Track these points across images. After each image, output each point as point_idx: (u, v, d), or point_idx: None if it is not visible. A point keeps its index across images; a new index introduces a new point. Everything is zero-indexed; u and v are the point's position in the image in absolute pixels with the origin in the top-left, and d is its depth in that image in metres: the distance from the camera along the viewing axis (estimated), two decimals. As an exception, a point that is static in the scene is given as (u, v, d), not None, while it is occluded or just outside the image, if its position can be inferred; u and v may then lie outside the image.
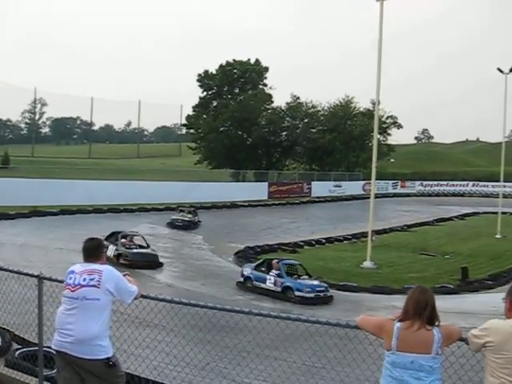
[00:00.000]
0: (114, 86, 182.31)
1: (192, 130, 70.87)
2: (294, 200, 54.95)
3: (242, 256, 25.42)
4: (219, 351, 8.63)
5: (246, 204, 48.04)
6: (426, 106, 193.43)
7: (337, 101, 72.34)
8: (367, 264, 24.45)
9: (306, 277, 19.88)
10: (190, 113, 70.50)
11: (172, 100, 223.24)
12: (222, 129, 65.05)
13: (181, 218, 32.96)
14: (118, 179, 42.77)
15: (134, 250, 22.74)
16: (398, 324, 4.14)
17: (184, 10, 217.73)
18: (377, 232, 32.91)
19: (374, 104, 28.01)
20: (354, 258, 26.08)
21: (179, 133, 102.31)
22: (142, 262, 21.91)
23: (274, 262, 20.31)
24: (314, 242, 30.41)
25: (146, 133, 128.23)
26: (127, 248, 22.83)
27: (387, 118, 72.73)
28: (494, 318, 4.22)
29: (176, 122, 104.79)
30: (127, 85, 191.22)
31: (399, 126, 74.73)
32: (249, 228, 35.48)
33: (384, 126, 71.80)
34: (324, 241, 31.13)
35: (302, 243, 29.66)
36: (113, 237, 23.72)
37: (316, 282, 19.46)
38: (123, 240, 23.27)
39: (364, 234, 28.15)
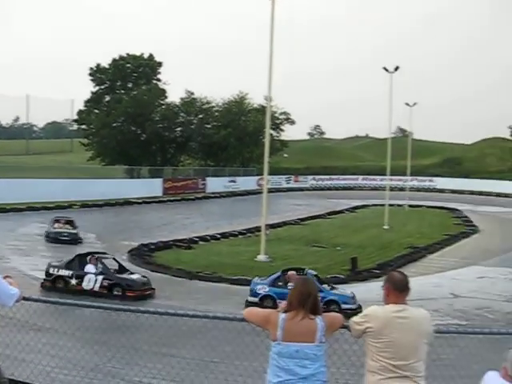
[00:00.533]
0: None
1: (84, 126, 69.02)
2: (189, 196, 54.98)
3: (136, 254, 24.98)
4: (107, 351, 8.43)
5: (141, 201, 47.50)
6: (318, 103, 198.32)
7: (231, 97, 73.05)
8: (261, 257, 24.73)
9: (326, 286, 17.43)
10: (82, 108, 68.75)
11: (63, 95, 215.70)
12: (115, 124, 63.82)
13: (65, 230, 28.41)
14: (5, 177, 40.92)
15: (133, 277, 18.44)
16: (282, 315, 4.23)
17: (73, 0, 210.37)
18: (271, 226, 33.40)
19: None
20: (249, 252, 26.32)
21: (71, 128, 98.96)
22: (147, 291, 18.07)
23: (291, 273, 16.85)
24: (209, 238, 30.38)
25: (35, 128, 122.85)
26: (120, 273, 18.53)
27: (280, 114, 74.14)
28: (378, 304, 4.41)
29: (67, 117, 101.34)
30: (14, 79, 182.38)
31: (292, 122, 76.45)
32: (143, 225, 35.00)
33: (277, 121, 73.18)
34: (219, 236, 31.17)
35: (196, 239, 29.53)
36: (74, 262, 18.79)
37: (349, 291, 17.48)
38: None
39: (258, 229, 28.47)
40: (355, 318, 4.38)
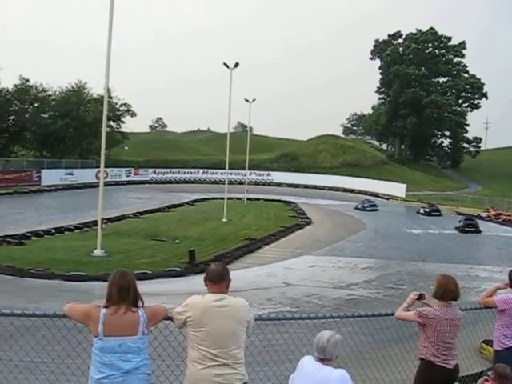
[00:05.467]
0: None
1: None
2: (23, 189, 52.31)
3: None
4: None
5: (-34, 195, 44.41)
6: (158, 95, 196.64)
7: (69, 86, 70.60)
8: (98, 252, 24.12)
9: None
10: None
11: None
12: None
13: None
14: None
15: None
16: (103, 310, 4.18)
17: None
18: (109, 219, 32.77)
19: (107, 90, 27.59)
20: (85, 246, 25.56)
21: None
22: None
23: None
24: (42, 233, 29.02)
25: None
26: None
27: (121, 105, 72.88)
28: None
29: None
30: None
31: (133, 114, 75.51)
32: (-31, 221, 32.55)
33: (118, 113, 71.86)
34: (53, 231, 29.89)
35: (29, 234, 28.10)
36: None
37: None
38: None
39: (96, 223, 27.71)
40: (177, 309, 4.46)
